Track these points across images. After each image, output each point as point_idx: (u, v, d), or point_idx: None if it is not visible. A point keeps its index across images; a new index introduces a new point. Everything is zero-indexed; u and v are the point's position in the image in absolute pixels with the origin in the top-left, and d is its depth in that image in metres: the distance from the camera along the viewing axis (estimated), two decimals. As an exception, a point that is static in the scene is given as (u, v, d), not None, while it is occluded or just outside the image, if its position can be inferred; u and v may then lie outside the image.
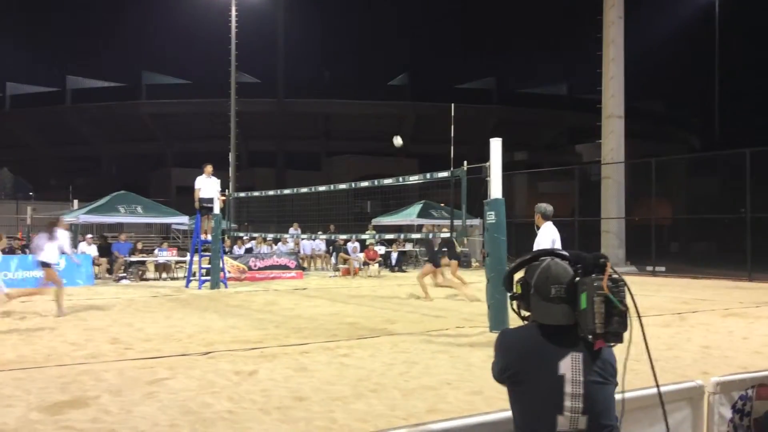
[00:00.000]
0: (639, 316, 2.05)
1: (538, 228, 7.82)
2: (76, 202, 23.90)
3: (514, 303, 2.23)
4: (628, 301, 2.00)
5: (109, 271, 18.45)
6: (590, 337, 1.99)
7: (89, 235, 19.66)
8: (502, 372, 2.16)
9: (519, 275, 2.24)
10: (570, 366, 2.03)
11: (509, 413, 2.39)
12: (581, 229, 24.38)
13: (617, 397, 2.17)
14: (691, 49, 48.47)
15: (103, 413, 4.82)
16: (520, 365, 2.09)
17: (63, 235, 11.15)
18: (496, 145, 8.91)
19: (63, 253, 11.22)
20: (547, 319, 2.08)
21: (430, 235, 13.32)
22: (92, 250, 18.39)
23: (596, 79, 24.83)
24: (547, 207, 7.87)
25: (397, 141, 14.87)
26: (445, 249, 13.29)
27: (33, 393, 5.39)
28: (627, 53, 24.47)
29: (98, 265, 18.27)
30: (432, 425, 2.46)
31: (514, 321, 7.39)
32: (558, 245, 7.42)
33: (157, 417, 4.72)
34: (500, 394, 5.02)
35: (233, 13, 28.63)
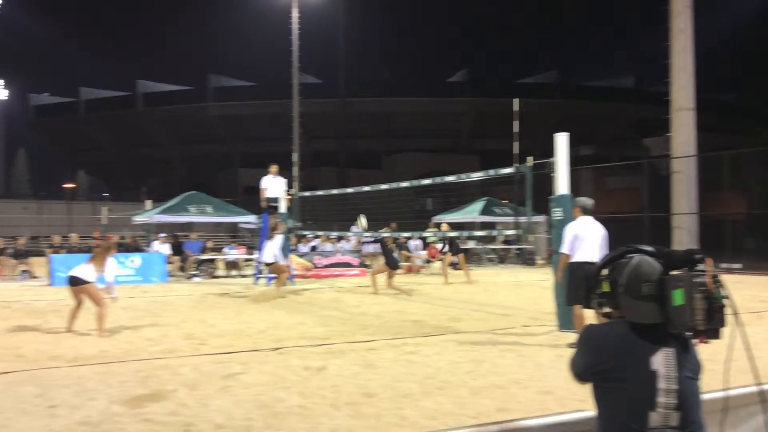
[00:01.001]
0: (736, 313, 2.02)
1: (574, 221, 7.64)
2: (149, 202, 24.73)
3: (599, 302, 2.21)
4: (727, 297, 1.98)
5: (182, 268, 19.06)
6: (690, 333, 1.97)
7: (162, 234, 20.32)
8: (589, 368, 2.14)
9: (604, 273, 2.21)
10: (663, 362, 2.02)
11: (585, 414, 2.38)
12: (651, 225, 23.69)
13: (718, 394, 2.14)
14: (765, 36, 46.40)
15: (181, 406, 5.01)
16: (612, 361, 2.07)
17: (278, 238, 13.44)
18: (562, 139, 8.78)
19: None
20: (639, 318, 2.06)
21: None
22: (165, 249, 19.02)
23: (664, 71, 24.04)
24: (587, 201, 7.65)
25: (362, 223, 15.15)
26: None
27: (114, 387, 5.63)
28: (697, 43, 23.60)
29: (171, 263, 18.90)
30: (508, 424, 2.47)
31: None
32: (583, 242, 7.18)
33: (232, 411, 4.88)
34: (572, 395, 4.99)
35: (295, 14, 29.06)
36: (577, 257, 7.31)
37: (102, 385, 5.69)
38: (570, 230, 7.45)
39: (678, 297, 1.97)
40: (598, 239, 7.30)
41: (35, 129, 74.87)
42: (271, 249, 13.51)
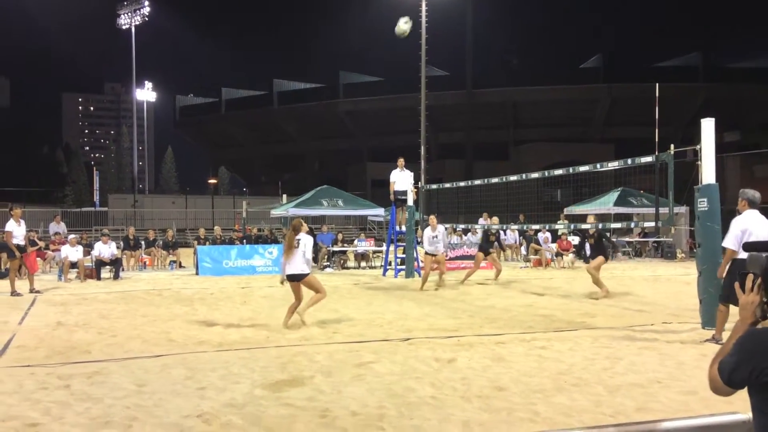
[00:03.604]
0: None
1: (739, 214, 7.08)
2: (284, 196, 25.80)
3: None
4: None
5: (315, 259, 19.75)
6: None
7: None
8: (752, 376, 1.99)
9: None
10: None
11: (736, 416, 2.23)
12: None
13: None
14: None
15: (318, 392, 5.21)
16: None
17: (440, 228, 13.64)
18: (708, 125, 8.21)
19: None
20: None
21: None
22: (301, 241, 19.77)
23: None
24: (755, 193, 7.08)
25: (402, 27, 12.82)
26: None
27: (256, 371, 5.95)
28: None
29: (304, 255, 19.64)
30: (651, 425, 2.37)
31: (729, 316, 6.77)
32: (752, 237, 6.62)
33: (366, 398, 5.01)
34: (716, 396, 4.65)
35: (423, 8, 29.14)
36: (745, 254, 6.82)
37: (245, 369, 6.03)
38: (738, 224, 6.96)
39: None
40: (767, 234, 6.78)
41: (181, 128, 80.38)
42: (432, 239, 13.49)
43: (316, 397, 5.09)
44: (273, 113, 66.99)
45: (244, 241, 20.09)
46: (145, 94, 56.11)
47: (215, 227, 23.21)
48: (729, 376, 2.07)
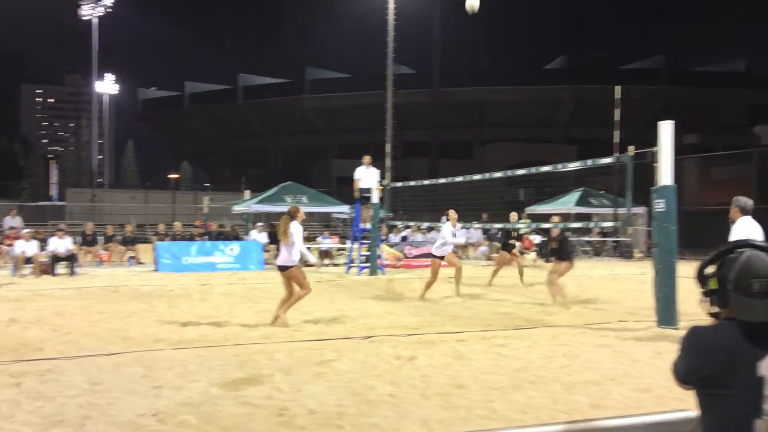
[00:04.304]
0: None
1: (733, 222, 7.24)
2: (247, 192, 25.56)
3: (706, 301, 2.08)
4: None
5: (277, 257, 19.61)
6: None
7: (260, 223, 21.00)
8: (692, 373, 2.03)
9: (712, 269, 2.08)
10: None
11: (685, 414, 2.27)
12: (761, 218, 22.28)
13: None
14: None
15: (276, 391, 5.17)
16: (716, 367, 1.95)
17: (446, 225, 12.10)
18: (666, 128, 8.38)
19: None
20: (750, 317, 1.93)
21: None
22: (263, 237, 19.63)
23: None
24: (747, 201, 7.24)
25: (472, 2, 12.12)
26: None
27: (214, 369, 5.87)
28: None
29: (268, 251, 19.49)
30: (602, 422, 2.40)
31: (683, 315, 6.97)
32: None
33: (325, 397, 4.98)
34: (671, 392, 4.77)
35: (391, 5, 29.13)
36: None
37: (202, 367, 5.95)
38: (740, 232, 7.11)
39: None
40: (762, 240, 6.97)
41: (143, 122, 79.12)
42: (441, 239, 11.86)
43: (275, 395, 5.05)
44: (237, 108, 66.39)
45: (205, 237, 19.85)
46: (107, 86, 54.97)
47: (176, 223, 22.92)
48: (677, 374, 2.11)
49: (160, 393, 5.07)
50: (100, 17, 50.29)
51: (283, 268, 8.51)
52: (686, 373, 2.06)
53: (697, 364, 2.01)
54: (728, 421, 1.94)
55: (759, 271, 1.92)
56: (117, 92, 57.71)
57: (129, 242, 19.60)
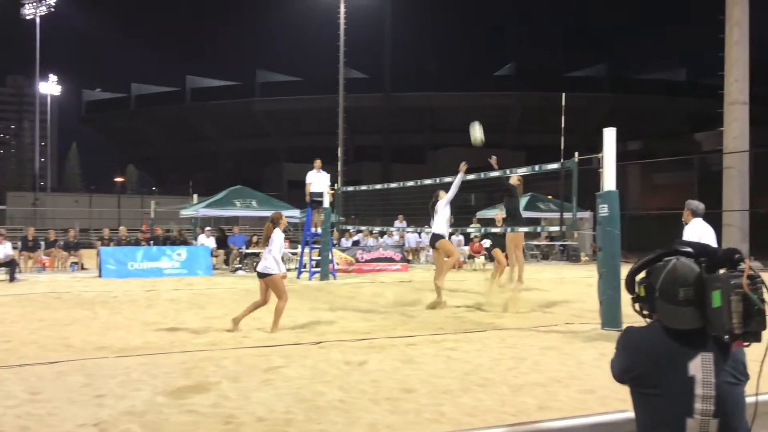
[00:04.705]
0: None
1: (686, 224, 7.48)
2: (195, 196, 25.16)
3: (637, 305, 2.13)
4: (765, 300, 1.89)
5: (226, 262, 19.36)
6: (727, 337, 1.89)
7: (208, 228, 20.68)
8: (625, 372, 2.08)
9: (641, 276, 2.14)
10: (701, 367, 1.94)
11: (627, 414, 2.32)
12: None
13: (750, 399, 2.05)
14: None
15: (223, 398, 5.08)
16: (648, 367, 2.00)
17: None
18: (609, 134, 8.59)
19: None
20: (676, 323, 1.98)
21: None
22: (210, 242, 19.34)
23: (718, 63, 23.32)
24: (698, 204, 7.49)
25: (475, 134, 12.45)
26: None
27: (159, 377, 5.74)
28: (753, 34, 22.83)
29: (216, 257, 19.21)
30: (546, 423, 2.43)
31: (627, 317, 7.14)
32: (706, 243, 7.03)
33: (273, 403, 4.92)
34: (614, 393, 4.88)
35: (342, 10, 29.16)
36: None
37: (147, 375, 5.81)
38: (692, 234, 7.31)
39: (716, 299, 1.89)
40: (715, 242, 7.21)
41: (87, 124, 77.07)
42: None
43: (221, 403, 4.96)
44: (186, 110, 65.27)
45: (151, 242, 19.44)
46: (49, 87, 53.48)
47: (120, 227, 22.40)
48: (613, 372, 2.17)
49: (102, 402, 4.94)
50: (42, 17, 48.93)
51: (262, 275, 8.48)
52: (620, 372, 2.12)
53: (629, 363, 2.06)
54: (660, 420, 1.99)
55: (685, 279, 1.97)
56: (60, 93, 56.18)
57: (72, 247, 19.04)
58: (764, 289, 1.89)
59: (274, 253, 8.41)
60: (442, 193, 10.94)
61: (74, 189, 73.81)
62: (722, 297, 1.87)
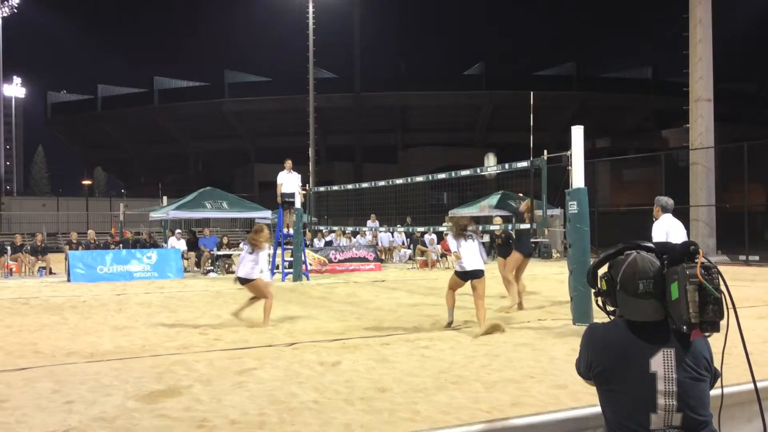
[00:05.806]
0: (734, 307, 1.96)
1: (656, 220, 7.60)
2: (165, 198, 24.89)
3: (599, 299, 2.16)
4: (720, 289, 1.92)
5: (197, 264, 19.17)
6: (685, 327, 1.91)
7: (178, 230, 20.46)
8: (588, 368, 2.11)
9: (603, 270, 2.17)
10: (662, 363, 1.97)
11: (597, 409, 2.35)
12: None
13: (715, 392, 2.09)
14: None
15: (196, 402, 5.03)
16: (609, 363, 2.03)
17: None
18: (577, 132, 8.70)
19: None
20: (636, 316, 2.02)
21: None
22: (181, 245, 19.15)
23: (683, 61, 23.76)
24: (668, 200, 7.65)
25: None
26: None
27: (130, 382, 5.66)
28: (716, 33, 23.30)
29: (187, 259, 19.02)
30: (519, 420, 2.45)
31: (598, 313, 7.28)
32: (673, 238, 7.16)
33: (247, 406, 4.89)
34: (586, 389, 4.91)
35: (310, 10, 29.05)
36: None
37: (118, 380, 5.73)
38: (660, 228, 7.44)
39: (674, 291, 1.93)
40: (684, 236, 7.33)
41: (53, 127, 75.61)
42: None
43: (194, 406, 4.91)
44: (153, 112, 64.36)
45: (121, 245, 19.17)
46: (14, 89, 52.50)
47: (89, 231, 22.05)
48: (577, 368, 2.20)
49: (72, 408, 4.85)
50: (6, 18, 47.93)
51: (243, 281, 8.86)
52: (584, 368, 2.14)
53: (592, 359, 2.09)
54: (624, 416, 2.02)
55: (644, 272, 2.00)
56: (25, 96, 55.15)
57: (39, 252, 18.70)
58: (720, 279, 1.92)
59: (260, 261, 8.82)
60: (471, 221, 9.26)
61: (41, 192, 72.46)
62: (679, 288, 1.91)
